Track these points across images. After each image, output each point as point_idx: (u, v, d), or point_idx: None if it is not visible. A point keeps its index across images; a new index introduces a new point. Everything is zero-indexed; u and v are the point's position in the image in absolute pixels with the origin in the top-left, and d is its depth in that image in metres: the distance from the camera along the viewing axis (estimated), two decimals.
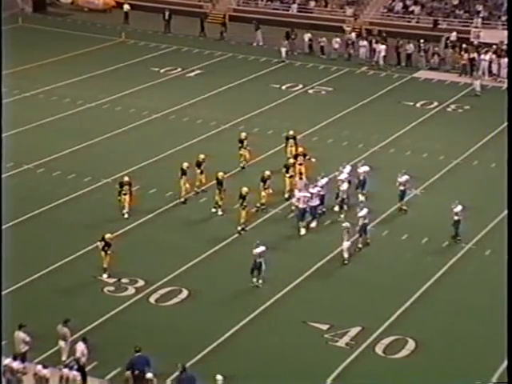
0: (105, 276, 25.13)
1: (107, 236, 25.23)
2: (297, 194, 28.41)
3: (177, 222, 28.94)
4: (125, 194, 28.48)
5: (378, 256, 27.00)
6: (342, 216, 28.81)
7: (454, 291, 25.15)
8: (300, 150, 31.44)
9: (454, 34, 47.91)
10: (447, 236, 27.83)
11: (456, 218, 27.50)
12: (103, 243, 25.07)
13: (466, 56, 44.83)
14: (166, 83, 43.29)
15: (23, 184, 31.17)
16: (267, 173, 29.13)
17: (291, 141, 32.51)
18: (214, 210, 29.16)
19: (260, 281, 24.89)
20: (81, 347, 20.39)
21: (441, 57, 45.97)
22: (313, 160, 31.08)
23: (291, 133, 32.89)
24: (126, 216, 28.44)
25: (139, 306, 24.00)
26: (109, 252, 25.06)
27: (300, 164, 30.77)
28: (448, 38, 47.37)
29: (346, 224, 26.64)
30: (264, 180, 28.98)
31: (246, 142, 32.39)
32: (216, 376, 19.85)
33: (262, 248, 24.93)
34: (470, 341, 22.81)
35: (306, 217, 28.13)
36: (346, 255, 26.24)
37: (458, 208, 27.57)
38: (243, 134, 32.84)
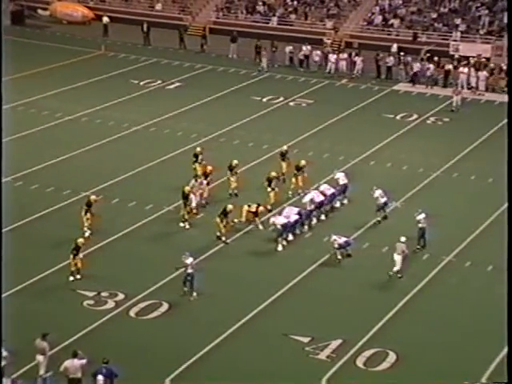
0: (71, 278, 25.24)
1: (79, 240, 25.43)
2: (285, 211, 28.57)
3: (156, 235, 28.80)
4: (89, 212, 28.12)
5: (359, 268, 26.96)
6: (306, 228, 28.82)
7: (435, 303, 25.15)
8: (302, 162, 31.42)
9: (395, 45, 48.34)
10: (428, 248, 27.88)
11: (420, 225, 27.66)
12: (74, 246, 25.25)
13: (431, 67, 45.21)
14: (146, 95, 43.20)
15: (1, 197, 30.84)
16: (260, 208, 28.96)
17: (286, 156, 32.68)
18: (181, 224, 28.98)
19: (194, 293, 24.73)
20: (77, 363, 20.12)
21: (420, 69, 46.19)
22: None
23: (285, 148, 33.11)
24: (87, 234, 27.90)
25: (119, 320, 23.82)
26: (79, 256, 25.23)
27: (299, 175, 31.12)
28: (427, 52, 47.74)
29: (333, 237, 26.82)
30: (256, 213, 28.79)
31: (200, 157, 32.17)
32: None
33: (191, 259, 24.82)
34: (451, 353, 22.76)
35: (286, 232, 28.05)
36: (395, 268, 26.12)
37: (421, 216, 27.72)
38: (198, 149, 32.71)
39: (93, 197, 28.78)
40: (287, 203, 30.34)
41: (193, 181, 30.11)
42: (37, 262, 26.59)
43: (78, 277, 25.45)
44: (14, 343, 20.96)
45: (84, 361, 20.14)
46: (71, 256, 25.32)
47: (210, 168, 30.83)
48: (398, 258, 26.17)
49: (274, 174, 30.69)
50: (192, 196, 29.36)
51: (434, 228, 28.16)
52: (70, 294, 24.88)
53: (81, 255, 25.51)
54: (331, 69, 46.87)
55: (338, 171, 31.59)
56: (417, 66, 45.51)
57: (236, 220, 28.70)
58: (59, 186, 31.88)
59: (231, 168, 31.29)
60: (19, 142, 36.39)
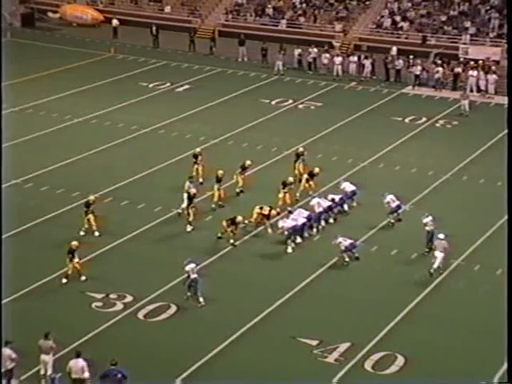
0: (64, 280, 25.37)
1: (73, 243, 25.46)
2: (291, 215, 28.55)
3: (165, 237, 28.82)
4: (92, 213, 28.30)
5: (368, 271, 26.94)
6: (314, 231, 28.83)
7: (444, 307, 25.10)
8: (316, 170, 31.45)
9: (395, 48, 48.25)
10: None
11: (427, 228, 27.70)
12: (68, 249, 25.39)
13: (440, 70, 45.22)
14: (155, 98, 43.27)
15: (11, 199, 30.94)
16: (272, 211, 28.96)
17: (301, 157, 32.89)
18: (188, 228, 28.97)
19: (201, 299, 24.59)
20: (81, 364, 20.16)
21: (429, 73, 46.18)
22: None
23: (301, 150, 33.24)
24: (96, 234, 28.21)
25: (127, 322, 23.85)
26: (74, 260, 25.29)
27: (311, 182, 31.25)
28: (436, 55, 47.71)
29: (339, 240, 26.83)
30: (268, 216, 28.77)
31: (200, 158, 32.45)
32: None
33: (192, 265, 24.73)
34: (460, 357, 22.72)
35: (294, 235, 28.01)
36: (435, 265, 26.35)
37: (427, 219, 27.75)
38: (198, 150, 32.96)
39: (91, 197, 28.86)
40: (296, 205, 30.30)
41: (187, 182, 30.11)
42: (46, 263, 26.62)
43: (83, 278, 25.48)
44: (22, 345, 21.04)
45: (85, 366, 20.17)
46: (67, 260, 25.37)
47: (221, 172, 30.79)
48: (439, 255, 26.32)
49: (291, 179, 30.62)
50: (185, 196, 29.41)
51: (442, 231, 28.08)
52: (79, 296, 24.92)
53: (76, 258, 25.45)
54: (338, 71, 46.87)
55: (344, 182, 31.36)
56: (418, 70, 45.42)
57: (246, 221, 28.69)
58: (69, 187, 31.94)
59: (243, 167, 31.36)
60: (29, 144, 36.55)
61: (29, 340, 21.51)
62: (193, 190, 29.24)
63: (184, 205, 29.45)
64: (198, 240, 28.52)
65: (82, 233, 28.16)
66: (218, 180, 30.62)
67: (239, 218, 27.91)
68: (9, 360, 20.38)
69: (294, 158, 33.30)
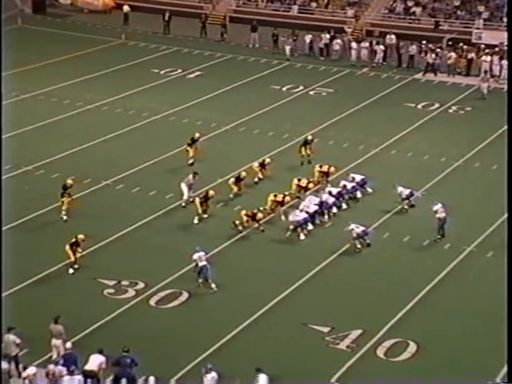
0: (71, 271, 25.34)
1: (80, 236, 25.39)
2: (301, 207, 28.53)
3: (177, 223, 28.81)
4: (67, 196, 28.45)
5: (380, 258, 26.87)
6: (326, 218, 28.77)
7: (456, 294, 25.03)
8: (332, 169, 31.29)
9: (394, 36, 47.70)
10: (449, 238, 27.72)
11: (437, 216, 27.57)
12: (74, 240, 25.34)
13: (453, 55, 44.96)
14: (166, 84, 43.18)
15: (22, 186, 31.03)
16: (286, 198, 29.00)
17: (308, 145, 33.04)
18: (205, 215, 28.81)
19: (213, 285, 24.62)
20: (99, 359, 20.11)
21: (442, 58, 45.81)
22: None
23: (310, 137, 33.38)
24: (64, 218, 28.31)
25: (139, 309, 23.88)
26: (79, 250, 25.34)
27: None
28: (449, 40, 47.40)
29: (351, 227, 26.80)
30: (282, 203, 28.84)
31: (196, 143, 32.87)
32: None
33: (201, 253, 24.76)
34: (472, 344, 22.69)
35: (306, 223, 27.94)
36: None
37: (437, 206, 27.64)
38: (197, 135, 33.24)
39: (69, 181, 28.97)
40: (308, 192, 30.18)
41: (190, 175, 29.94)
42: (57, 250, 26.61)
43: (72, 271, 25.37)
44: (34, 332, 21.12)
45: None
46: (68, 248, 25.32)
47: (268, 160, 31.41)
48: None
49: (311, 185, 30.35)
50: (184, 186, 29.39)
51: (454, 218, 27.99)
52: (91, 283, 24.96)
53: (80, 250, 25.45)
54: (353, 57, 46.63)
55: (351, 174, 31.24)
56: (431, 57, 45.06)
57: (261, 208, 28.60)
58: (80, 174, 31.88)
59: (263, 165, 31.44)
60: (40, 130, 36.55)
61: (41, 327, 21.58)
62: (211, 192, 28.88)
63: (185, 197, 29.43)
64: (210, 226, 28.50)
65: (64, 217, 28.25)
66: (263, 165, 31.20)
67: (260, 215, 27.90)
68: (14, 345, 20.39)
69: (302, 142, 33.31)
